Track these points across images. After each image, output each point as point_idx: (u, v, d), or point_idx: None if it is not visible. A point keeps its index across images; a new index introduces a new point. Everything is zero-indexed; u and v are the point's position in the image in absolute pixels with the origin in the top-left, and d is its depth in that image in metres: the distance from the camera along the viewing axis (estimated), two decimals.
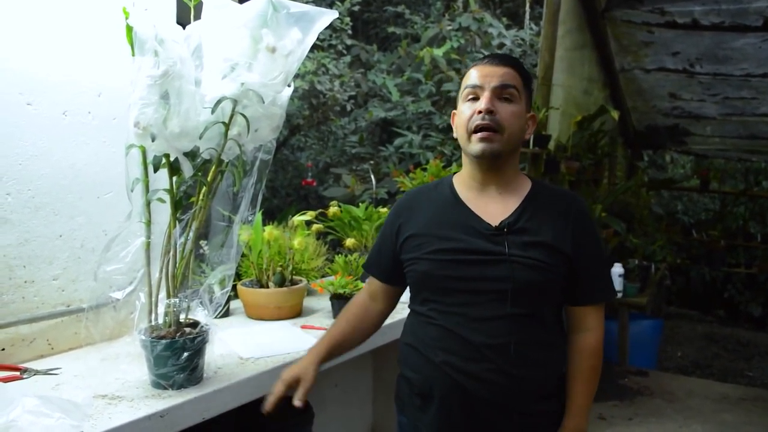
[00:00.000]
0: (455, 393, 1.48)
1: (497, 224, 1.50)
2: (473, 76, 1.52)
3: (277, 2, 1.43)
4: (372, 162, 6.76)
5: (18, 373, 1.61)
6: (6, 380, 1.56)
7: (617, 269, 4.63)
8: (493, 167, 1.54)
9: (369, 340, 2.12)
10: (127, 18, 1.39)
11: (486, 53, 6.79)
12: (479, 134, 1.47)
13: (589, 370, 1.57)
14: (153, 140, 1.40)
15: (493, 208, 1.54)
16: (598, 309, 1.59)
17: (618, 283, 4.62)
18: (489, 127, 1.46)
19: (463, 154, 1.60)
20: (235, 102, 1.45)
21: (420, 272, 1.53)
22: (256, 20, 1.42)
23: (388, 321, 2.22)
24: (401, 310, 2.35)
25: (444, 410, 1.50)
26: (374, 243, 1.76)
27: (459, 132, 1.54)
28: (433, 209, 1.59)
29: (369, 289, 1.75)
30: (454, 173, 1.69)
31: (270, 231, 2.29)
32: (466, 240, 1.49)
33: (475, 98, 1.50)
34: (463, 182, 1.60)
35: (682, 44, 4.91)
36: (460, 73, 6.75)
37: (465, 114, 1.50)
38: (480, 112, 1.46)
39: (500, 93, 1.48)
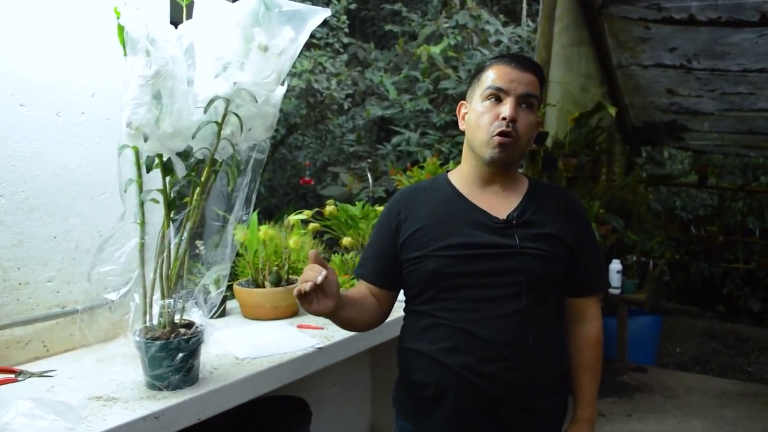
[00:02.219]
0: (470, 395, 1.46)
1: (505, 217, 1.50)
2: (497, 77, 1.49)
3: (269, 1, 1.42)
4: (369, 160, 6.75)
5: (13, 376, 1.60)
6: (0, 383, 1.56)
7: (615, 265, 4.63)
8: (502, 170, 1.55)
9: (367, 338, 2.12)
10: (118, 18, 1.39)
11: (483, 50, 6.79)
12: (498, 139, 1.47)
13: (595, 360, 1.63)
14: (146, 140, 1.39)
15: (497, 203, 1.54)
16: (597, 299, 1.66)
17: (616, 280, 4.62)
18: (509, 135, 1.46)
19: (467, 150, 1.59)
20: (227, 101, 1.45)
21: (428, 270, 1.50)
22: (248, 19, 1.41)
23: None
24: (399, 309, 2.35)
25: (457, 413, 1.48)
26: (366, 248, 1.70)
27: (473, 131, 1.53)
28: (434, 205, 1.57)
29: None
30: (448, 171, 1.68)
31: (266, 230, 2.29)
32: (475, 234, 1.49)
33: (497, 99, 1.48)
34: (464, 178, 1.60)
35: (679, 40, 4.90)
36: (458, 71, 6.74)
37: (485, 115, 1.49)
38: (504, 118, 1.46)
39: (523, 101, 1.48)
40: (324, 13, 1.50)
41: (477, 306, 1.46)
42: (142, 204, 1.49)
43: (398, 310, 2.22)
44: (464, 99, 1.61)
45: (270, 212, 6.39)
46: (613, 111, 4.58)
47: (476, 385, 1.45)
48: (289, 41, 1.45)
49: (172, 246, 1.50)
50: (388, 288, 1.62)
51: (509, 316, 1.45)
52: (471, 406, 1.47)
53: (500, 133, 1.46)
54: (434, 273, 1.49)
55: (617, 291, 4.64)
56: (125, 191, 1.46)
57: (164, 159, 1.45)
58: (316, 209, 2.73)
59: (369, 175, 4.49)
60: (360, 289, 1.63)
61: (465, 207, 1.54)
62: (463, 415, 1.48)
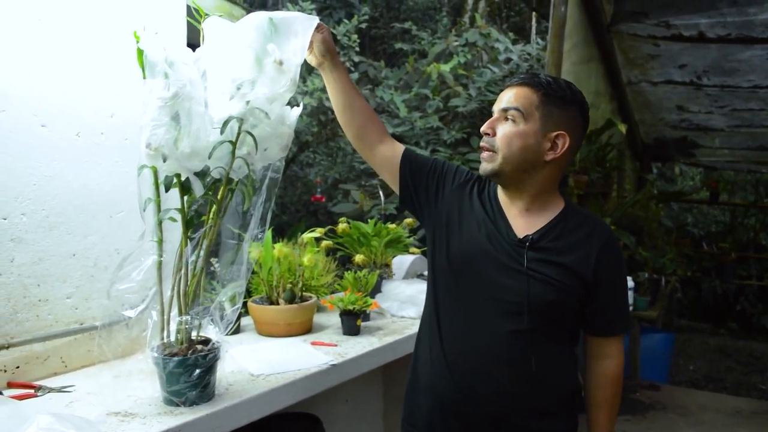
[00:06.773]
0: (464, 412, 1.51)
1: (521, 237, 1.53)
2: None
3: (272, 14, 1.50)
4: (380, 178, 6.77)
5: (32, 391, 1.63)
6: (20, 398, 1.58)
7: (627, 282, 4.61)
8: (509, 185, 1.57)
9: (380, 356, 2.14)
10: (138, 42, 1.42)
11: (492, 68, 6.82)
12: (482, 154, 1.55)
13: (613, 397, 1.60)
14: (164, 161, 1.42)
15: (522, 222, 1.56)
16: (619, 338, 1.61)
17: (629, 297, 4.59)
18: (486, 148, 1.54)
19: None
20: (241, 121, 1.48)
21: (438, 265, 1.60)
22: (258, 38, 1.47)
23: (397, 337, 2.24)
24: (411, 326, 2.36)
25: (453, 428, 1.54)
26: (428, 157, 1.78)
27: None
28: (476, 203, 1.63)
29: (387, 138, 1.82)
30: None
31: (280, 248, 2.31)
32: (489, 246, 1.53)
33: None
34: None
35: (689, 57, 4.92)
36: (467, 89, 6.77)
37: None
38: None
39: (504, 115, 1.52)
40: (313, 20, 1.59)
41: (478, 319, 1.51)
42: (160, 222, 1.51)
43: (410, 327, 2.24)
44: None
45: (281, 229, 6.41)
46: (623, 128, 4.60)
47: (472, 400, 1.49)
48: (300, 48, 1.53)
49: (189, 264, 1.53)
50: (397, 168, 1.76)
51: (508, 334, 1.48)
52: (464, 424, 1.52)
53: (480, 148, 1.56)
54: (441, 269, 1.59)
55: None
56: (144, 210, 1.49)
57: (182, 179, 1.48)
58: (329, 227, 2.75)
59: (380, 192, 4.50)
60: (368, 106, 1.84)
61: (494, 217, 1.58)
62: (460, 430, 1.53)
